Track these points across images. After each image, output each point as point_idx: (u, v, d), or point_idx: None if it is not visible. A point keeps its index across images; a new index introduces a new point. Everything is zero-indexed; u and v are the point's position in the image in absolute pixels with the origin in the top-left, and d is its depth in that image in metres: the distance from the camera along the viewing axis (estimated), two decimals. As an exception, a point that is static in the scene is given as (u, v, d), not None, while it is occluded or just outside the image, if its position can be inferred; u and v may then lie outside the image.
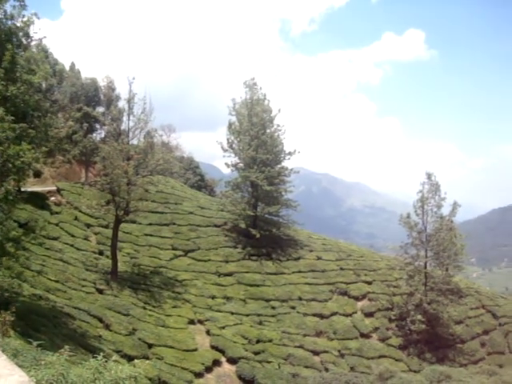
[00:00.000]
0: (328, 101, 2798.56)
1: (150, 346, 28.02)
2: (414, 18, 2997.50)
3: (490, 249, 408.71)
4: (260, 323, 35.59)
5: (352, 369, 33.59)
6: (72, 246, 36.35)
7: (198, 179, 74.15)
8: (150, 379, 24.01)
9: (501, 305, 47.81)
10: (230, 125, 48.02)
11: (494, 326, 44.16)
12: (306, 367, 32.07)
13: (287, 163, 48.45)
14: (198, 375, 27.79)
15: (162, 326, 30.64)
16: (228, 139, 48.18)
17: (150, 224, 43.75)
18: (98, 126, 51.09)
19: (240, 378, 29.24)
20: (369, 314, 40.88)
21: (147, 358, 26.09)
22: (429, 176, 42.06)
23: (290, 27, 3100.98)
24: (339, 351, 35.67)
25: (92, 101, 50.55)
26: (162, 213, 45.99)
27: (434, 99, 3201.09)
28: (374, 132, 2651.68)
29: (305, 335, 35.96)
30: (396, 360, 37.04)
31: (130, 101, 35.15)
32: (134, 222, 41.66)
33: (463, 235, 45.31)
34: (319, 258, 46.63)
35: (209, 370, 28.89)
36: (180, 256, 41.03)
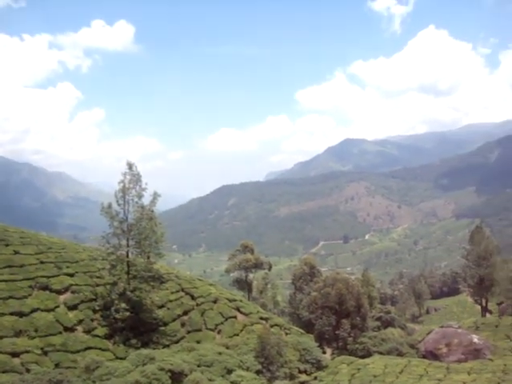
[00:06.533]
0: (30, 88, 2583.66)
1: None
2: (125, 11, 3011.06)
3: (190, 236, 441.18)
4: None
5: (57, 365, 32.55)
6: None
7: None
8: None
9: (198, 286, 52.30)
10: None
11: (192, 306, 48.07)
12: (5, 372, 29.78)
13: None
14: None
15: None
16: None
17: None
18: None
19: None
20: (72, 307, 39.97)
21: None
22: (130, 166, 42.68)
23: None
24: (42, 349, 34.03)
25: None
26: None
27: (140, 93, 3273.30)
28: (79, 123, 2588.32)
29: (2, 337, 33.28)
30: (102, 350, 37.22)
31: None
32: None
33: (163, 224, 47.64)
34: (17, 253, 43.65)
35: None
36: None
